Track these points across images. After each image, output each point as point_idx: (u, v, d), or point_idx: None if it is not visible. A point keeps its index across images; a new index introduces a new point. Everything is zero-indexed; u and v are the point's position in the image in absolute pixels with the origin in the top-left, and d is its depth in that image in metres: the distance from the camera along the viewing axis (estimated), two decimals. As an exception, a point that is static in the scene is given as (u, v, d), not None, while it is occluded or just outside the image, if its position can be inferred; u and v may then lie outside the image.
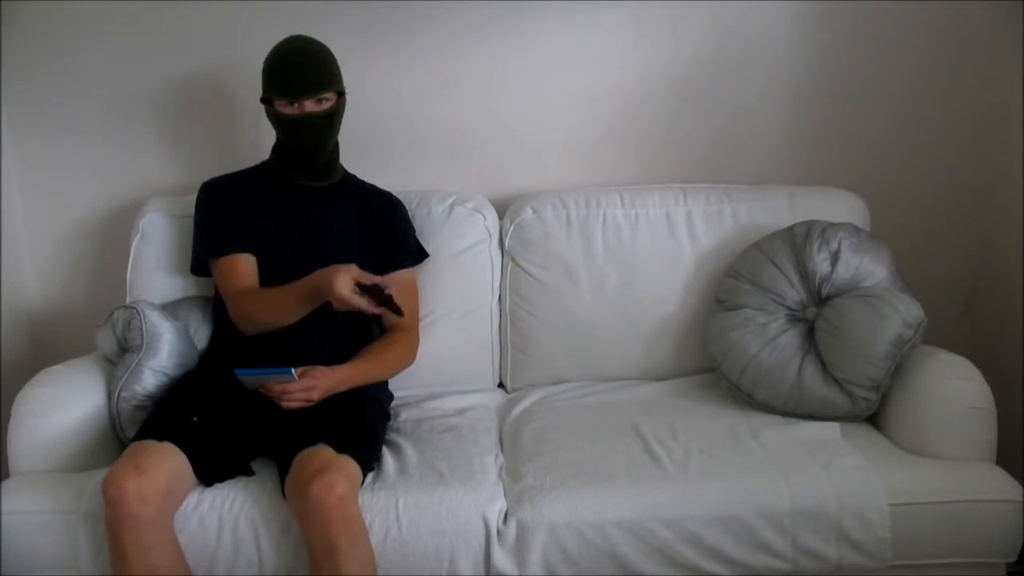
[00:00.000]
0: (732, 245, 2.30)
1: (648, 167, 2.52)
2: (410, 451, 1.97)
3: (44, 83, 2.44)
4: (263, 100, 2.10)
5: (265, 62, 2.08)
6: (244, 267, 2.08)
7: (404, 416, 2.17)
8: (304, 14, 2.31)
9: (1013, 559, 1.84)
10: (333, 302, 1.90)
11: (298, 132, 2.07)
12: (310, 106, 2.04)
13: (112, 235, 2.47)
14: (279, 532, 1.78)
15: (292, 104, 2.04)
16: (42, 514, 1.81)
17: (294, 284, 1.99)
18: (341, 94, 2.11)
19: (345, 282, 1.87)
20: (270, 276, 2.05)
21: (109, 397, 2.02)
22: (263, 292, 2.05)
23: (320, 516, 1.66)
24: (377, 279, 1.92)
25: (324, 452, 1.76)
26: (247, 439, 1.91)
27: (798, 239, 2.17)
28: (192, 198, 2.20)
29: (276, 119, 2.09)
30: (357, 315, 2.14)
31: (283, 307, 2.00)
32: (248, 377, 1.88)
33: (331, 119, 2.08)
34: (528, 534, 1.77)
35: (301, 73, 2.03)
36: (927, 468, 1.87)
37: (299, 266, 1.99)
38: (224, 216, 2.12)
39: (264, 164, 2.21)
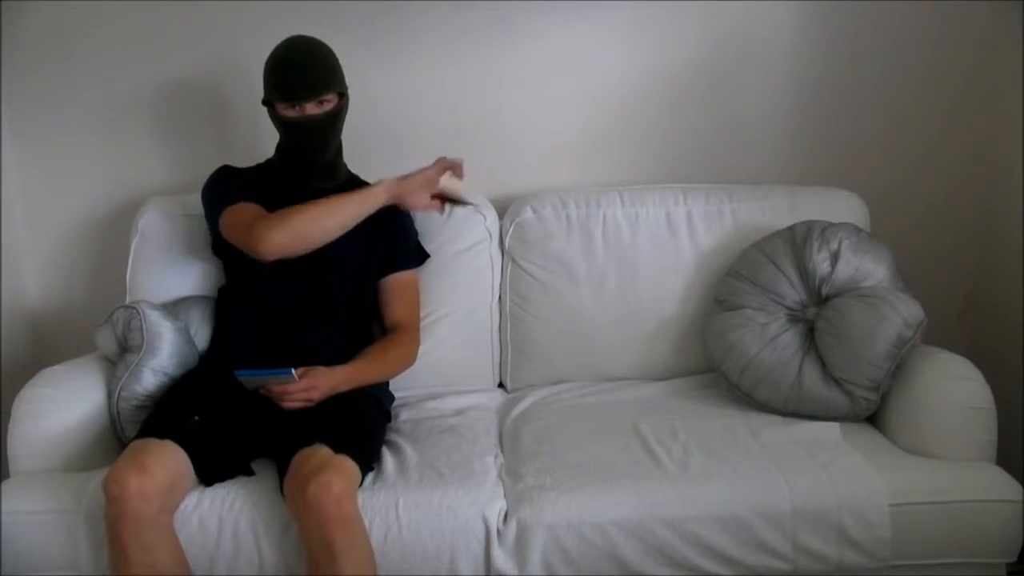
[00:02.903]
0: (732, 245, 2.30)
1: (648, 167, 2.52)
2: (410, 451, 1.97)
3: (44, 83, 2.44)
4: (264, 102, 2.10)
5: (265, 64, 2.07)
6: (256, 208, 2.02)
7: (404, 416, 2.17)
8: (303, 14, 2.31)
9: (1013, 559, 1.84)
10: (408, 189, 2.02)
11: (300, 135, 2.07)
12: (311, 108, 2.04)
13: (112, 235, 2.47)
14: (279, 532, 1.78)
15: (293, 107, 2.04)
16: (42, 514, 1.81)
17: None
18: (343, 95, 2.10)
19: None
20: (270, 275, 2.04)
21: (109, 397, 2.02)
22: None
23: (317, 515, 1.66)
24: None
25: (321, 452, 1.76)
26: (247, 439, 1.91)
27: (798, 239, 2.17)
28: (192, 198, 2.20)
29: (278, 121, 2.09)
30: (358, 316, 2.15)
31: (330, 203, 1.97)
32: (248, 377, 1.88)
33: (332, 121, 2.08)
34: (528, 534, 1.77)
35: (301, 75, 2.03)
36: (927, 468, 1.87)
37: (300, 266, 1.99)
38: (239, 184, 2.10)
39: (268, 163, 2.21)
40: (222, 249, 2.13)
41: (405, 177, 2.03)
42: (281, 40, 2.08)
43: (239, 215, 2.01)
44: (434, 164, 2.06)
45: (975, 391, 1.93)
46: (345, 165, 2.21)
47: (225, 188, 2.10)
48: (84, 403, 2.00)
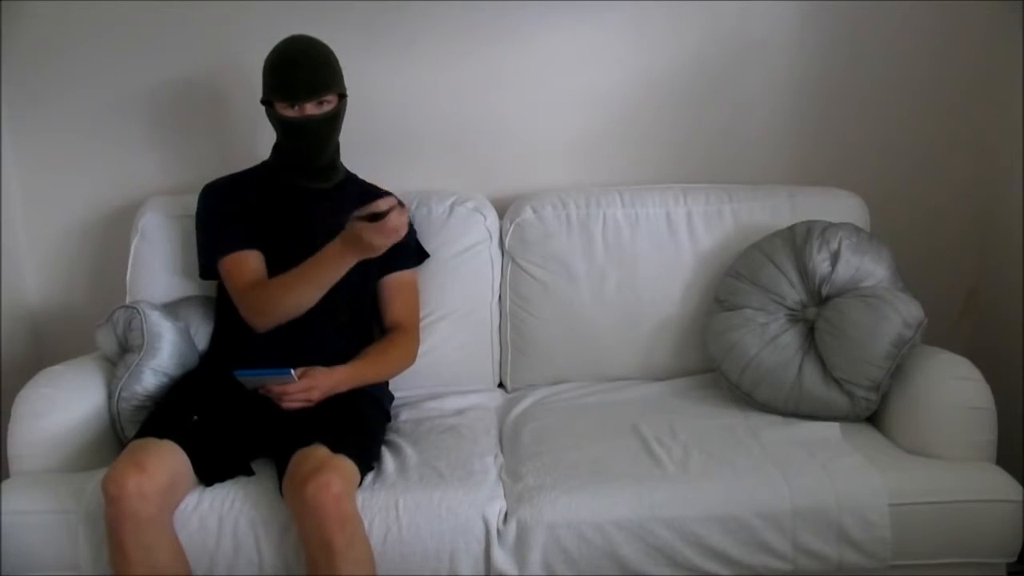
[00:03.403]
0: (732, 245, 2.30)
1: (648, 167, 2.52)
2: (410, 451, 1.97)
3: (44, 83, 2.43)
4: (263, 101, 2.09)
5: (265, 62, 2.07)
6: (253, 263, 2.06)
7: (404, 416, 2.17)
8: (303, 14, 2.31)
9: (1013, 559, 1.84)
10: (375, 243, 1.84)
11: (298, 135, 2.07)
12: (311, 109, 2.03)
13: (112, 235, 2.47)
14: (279, 532, 1.78)
15: (293, 106, 2.04)
16: (42, 514, 1.81)
17: (312, 258, 1.94)
18: (343, 96, 2.10)
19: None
20: (271, 278, 2.05)
21: (109, 397, 2.02)
22: (277, 278, 2.01)
23: (316, 515, 1.66)
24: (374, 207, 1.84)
25: (320, 452, 1.76)
26: (247, 439, 1.91)
27: (798, 239, 2.17)
28: (191, 198, 2.20)
29: (276, 121, 2.09)
30: (358, 316, 2.15)
31: (305, 279, 1.94)
32: (247, 378, 1.88)
33: (332, 122, 2.08)
34: (528, 534, 1.77)
35: (302, 75, 2.02)
36: (927, 468, 1.87)
37: (300, 267, 1.99)
38: (227, 216, 2.11)
39: (264, 164, 2.21)
40: (209, 276, 2.15)
41: (361, 237, 1.85)
42: (282, 39, 2.08)
43: (232, 278, 2.05)
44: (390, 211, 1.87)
45: (975, 391, 1.93)
46: (342, 164, 2.21)
47: (212, 228, 2.11)
48: (84, 403, 2.00)
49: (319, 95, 2.03)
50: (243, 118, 2.41)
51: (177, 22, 2.39)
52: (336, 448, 1.77)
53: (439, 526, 1.77)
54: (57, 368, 2.06)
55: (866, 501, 1.78)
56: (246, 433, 1.90)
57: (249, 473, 1.87)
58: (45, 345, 2.54)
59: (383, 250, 1.88)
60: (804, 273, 2.14)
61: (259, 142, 2.29)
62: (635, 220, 2.34)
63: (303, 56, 2.04)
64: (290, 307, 1.97)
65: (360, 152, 2.25)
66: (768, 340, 2.12)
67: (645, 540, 1.77)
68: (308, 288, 1.95)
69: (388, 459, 1.94)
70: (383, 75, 2.43)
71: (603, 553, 1.77)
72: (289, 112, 2.04)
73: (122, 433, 2.01)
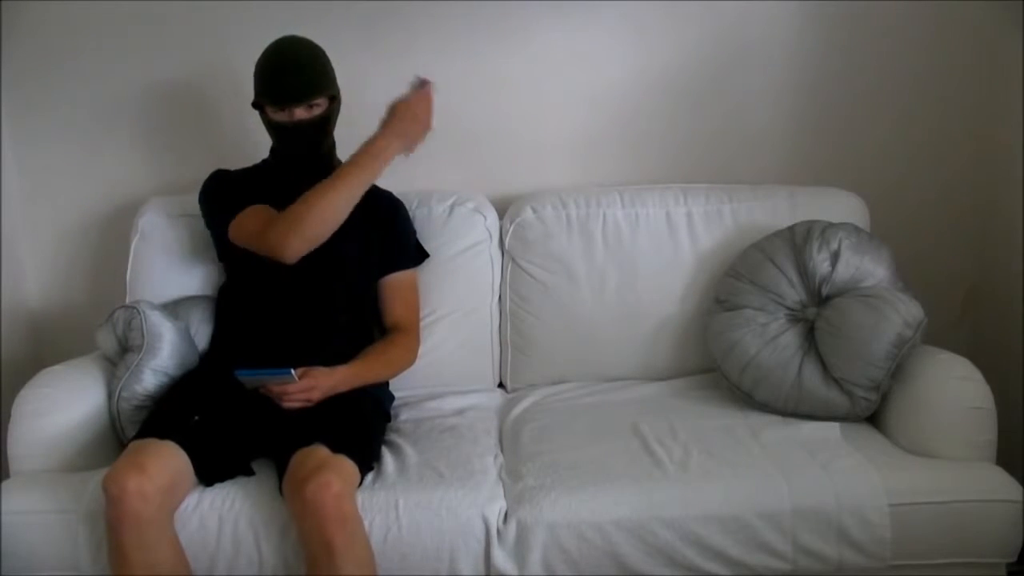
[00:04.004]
0: (732, 245, 2.30)
1: (648, 167, 2.52)
2: (410, 451, 1.97)
3: (43, 84, 2.44)
4: (255, 104, 2.09)
5: (255, 66, 2.07)
6: (267, 210, 2.01)
7: (404, 416, 2.17)
8: (302, 14, 2.31)
9: (1013, 559, 1.84)
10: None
11: (289, 139, 2.06)
12: (300, 113, 2.03)
13: (112, 235, 2.48)
14: (279, 532, 1.78)
15: (282, 111, 2.03)
16: (42, 514, 1.81)
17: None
18: (334, 97, 2.09)
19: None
20: (269, 276, 2.04)
21: (109, 397, 2.02)
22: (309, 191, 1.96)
23: (316, 515, 1.66)
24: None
25: (320, 452, 1.76)
26: (247, 439, 1.91)
27: (798, 239, 2.17)
28: (191, 198, 2.20)
29: (268, 124, 2.09)
30: (358, 317, 2.15)
31: (340, 179, 1.92)
32: (248, 377, 1.88)
33: (323, 125, 2.07)
34: (528, 534, 1.77)
35: (291, 79, 2.02)
36: (927, 468, 1.87)
37: (300, 267, 1.99)
38: (235, 189, 2.10)
39: (264, 163, 2.21)
40: (227, 254, 2.14)
41: (393, 123, 1.98)
42: (272, 41, 2.07)
43: (248, 223, 2.01)
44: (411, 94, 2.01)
45: (975, 391, 1.93)
46: (340, 161, 2.20)
47: (225, 195, 2.10)
48: (84, 403, 2.00)
49: (308, 99, 2.03)
50: (242, 118, 2.40)
51: (176, 23, 2.40)
52: (336, 448, 1.77)
53: (439, 526, 1.77)
54: (57, 368, 2.06)
55: (866, 501, 1.78)
56: (246, 433, 1.90)
57: (249, 473, 1.87)
58: (45, 345, 2.54)
59: (419, 131, 1.97)
60: (804, 273, 2.14)
61: (258, 142, 2.28)
62: (635, 220, 2.34)
63: (291, 60, 2.03)
64: (319, 219, 1.92)
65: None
66: (768, 340, 2.12)
67: (645, 540, 1.77)
68: (338, 195, 1.92)
69: (388, 459, 1.94)
70: (383, 75, 2.40)
71: (603, 553, 1.77)
72: (279, 116, 2.04)
73: (122, 433, 2.01)
